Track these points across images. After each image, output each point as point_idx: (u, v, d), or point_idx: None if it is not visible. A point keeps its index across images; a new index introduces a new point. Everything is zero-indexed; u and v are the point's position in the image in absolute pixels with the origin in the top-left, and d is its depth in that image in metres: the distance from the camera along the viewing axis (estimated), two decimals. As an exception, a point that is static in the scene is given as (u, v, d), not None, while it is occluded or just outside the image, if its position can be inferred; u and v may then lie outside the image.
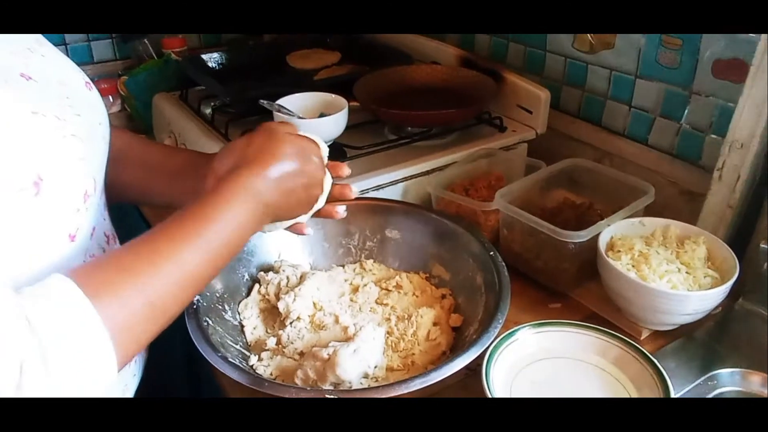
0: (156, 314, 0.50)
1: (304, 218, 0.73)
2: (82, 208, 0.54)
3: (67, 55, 1.38)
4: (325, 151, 0.73)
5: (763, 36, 0.86)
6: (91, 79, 0.66)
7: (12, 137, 0.47)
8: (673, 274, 0.82)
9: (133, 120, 1.49)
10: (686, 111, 1.06)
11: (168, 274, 0.51)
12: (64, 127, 0.53)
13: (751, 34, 0.94)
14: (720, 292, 0.79)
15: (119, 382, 0.65)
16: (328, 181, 0.73)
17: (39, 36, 0.62)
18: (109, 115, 0.68)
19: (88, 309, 0.44)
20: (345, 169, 0.76)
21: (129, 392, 0.67)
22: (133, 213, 1.20)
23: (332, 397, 0.64)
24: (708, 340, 0.86)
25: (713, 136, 1.03)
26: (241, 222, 0.59)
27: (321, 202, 0.73)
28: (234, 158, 0.64)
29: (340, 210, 0.76)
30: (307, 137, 0.70)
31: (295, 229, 0.74)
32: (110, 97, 1.47)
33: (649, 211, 0.97)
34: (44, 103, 0.52)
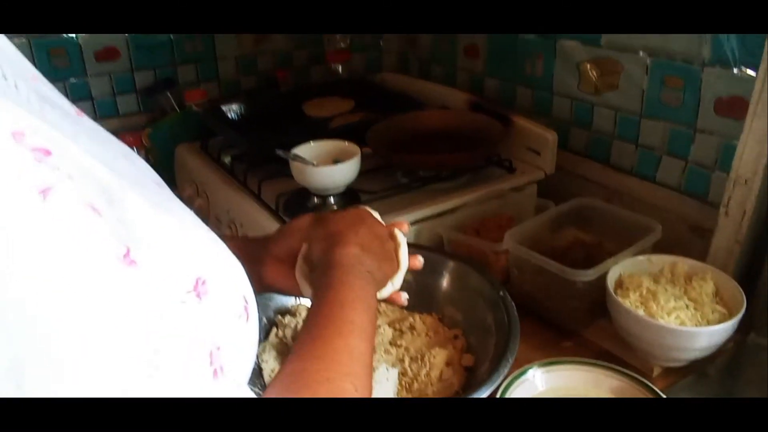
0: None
1: (396, 284, 0.72)
2: None
3: (94, 110, 1.39)
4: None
5: (761, 73, 0.89)
6: (116, 132, 0.68)
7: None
8: (681, 310, 0.84)
9: (156, 170, 1.54)
10: (691, 149, 1.09)
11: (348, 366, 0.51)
12: None
13: (749, 72, 0.96)
14: (728, 327, 0.80)
15: None
16: (403, 245, 0.73)
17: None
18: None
19: None
20: (417, 262, 0.76)
21: None
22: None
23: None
24: (720, 375, 0.87)
25: (719, 172, 1.05)
26: (361, 294, 0.60)
27: (403, 264, 0.72)
28: (299, 241, 0.69)
29: (404, 296, 0.74)
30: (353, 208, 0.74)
31: (393, 300, 0.73)
32: (135, 149, 1.53)
33: (660, 248, 0.98)
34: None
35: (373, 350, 0.57)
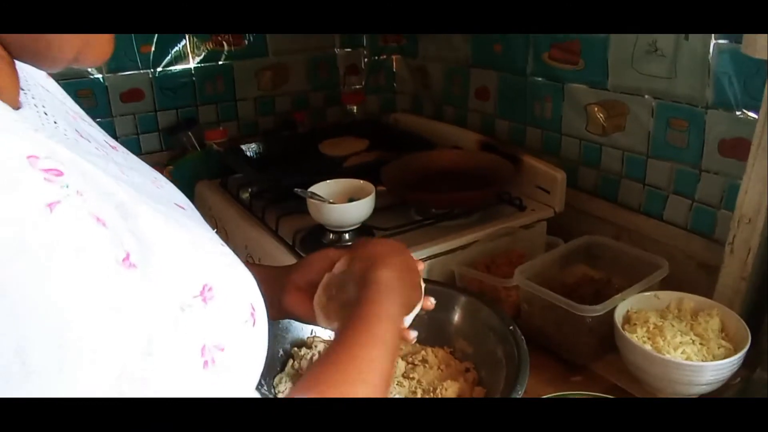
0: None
1: (406, 322, 0.75)
2: None
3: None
4: None
5: (762, 116, 0.92)
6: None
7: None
8: (688, 345, 0.86)
9: (176, 206, 1.59)
10: (697, 188, 1.11)
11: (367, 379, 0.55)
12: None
13: (751, 114, 1.00)
14: (733, 362, 0.82)
15: None
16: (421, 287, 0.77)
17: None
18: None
19: None
20: (429, 303, 0.80)
21: None
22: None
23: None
24: (728, 410, 0.88)
25: (724, 211, 1.08)
26: (389, 312, 0.64)
27: (417, 305, 0.76)
28: (320, 272, 0.73)
29: (413, 334, 0.77)
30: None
31: (402, 337, 0.75)
32: (156, 186, 1.58)
33: (669, 285, 1.01)
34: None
35: (394, 365, 0.60)
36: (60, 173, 0.36)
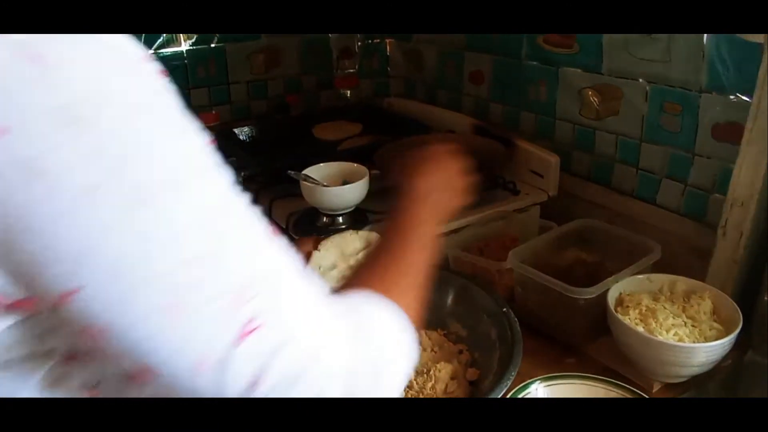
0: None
1: None
2: None
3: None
4: None
5: (755, 99, 0.92)
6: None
7: None
8: (680, 327, 0.86)
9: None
10: (690, 172, 1.12)
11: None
12: None
13: (744, 98, 1.00)
14: (725, 344, 0.83)
15: None
16: None
17: None
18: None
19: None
20: None
21: None
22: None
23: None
24: (718, 392, 0.89)
25: (717, 195, 1.08)
26: (423, 218, 0.71)
27: None
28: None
29: None
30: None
31: None
32: (148, 170, 1.57)
33: (661, 268, 1.01)
34: None
35: (430, 264, 0.66)
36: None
